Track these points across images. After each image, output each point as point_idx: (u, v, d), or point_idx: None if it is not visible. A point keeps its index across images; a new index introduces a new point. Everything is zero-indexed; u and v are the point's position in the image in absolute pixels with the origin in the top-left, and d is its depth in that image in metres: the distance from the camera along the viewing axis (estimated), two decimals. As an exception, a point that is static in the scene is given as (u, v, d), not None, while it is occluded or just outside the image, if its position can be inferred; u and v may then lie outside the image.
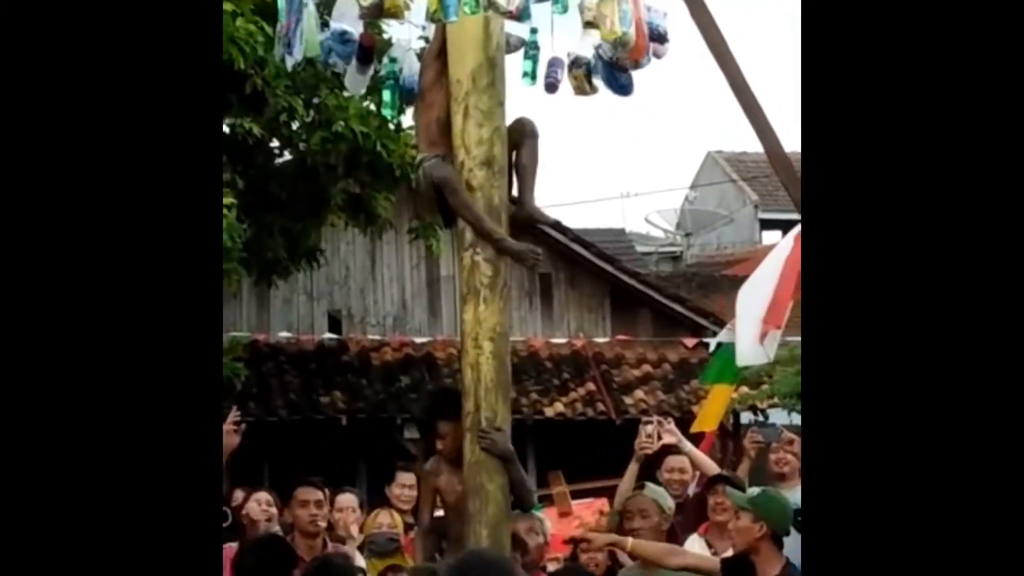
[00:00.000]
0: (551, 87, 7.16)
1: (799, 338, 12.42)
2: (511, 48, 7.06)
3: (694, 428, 11.44)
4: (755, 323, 11.09)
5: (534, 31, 7.01)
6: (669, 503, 8.15)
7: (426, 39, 7.41)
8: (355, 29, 7.05)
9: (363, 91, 8.02)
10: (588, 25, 7.01)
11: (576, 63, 7.18)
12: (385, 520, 8.91)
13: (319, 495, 8.60)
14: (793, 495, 8.07)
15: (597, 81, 7.26)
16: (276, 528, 8.77)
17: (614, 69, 7.16)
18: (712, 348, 20.02)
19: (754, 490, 7.63)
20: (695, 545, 8.23)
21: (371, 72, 7.39)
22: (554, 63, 7.16)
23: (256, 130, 15.16)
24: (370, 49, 7.25)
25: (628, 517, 7.97)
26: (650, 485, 8.31)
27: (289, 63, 7.17)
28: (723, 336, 12.92)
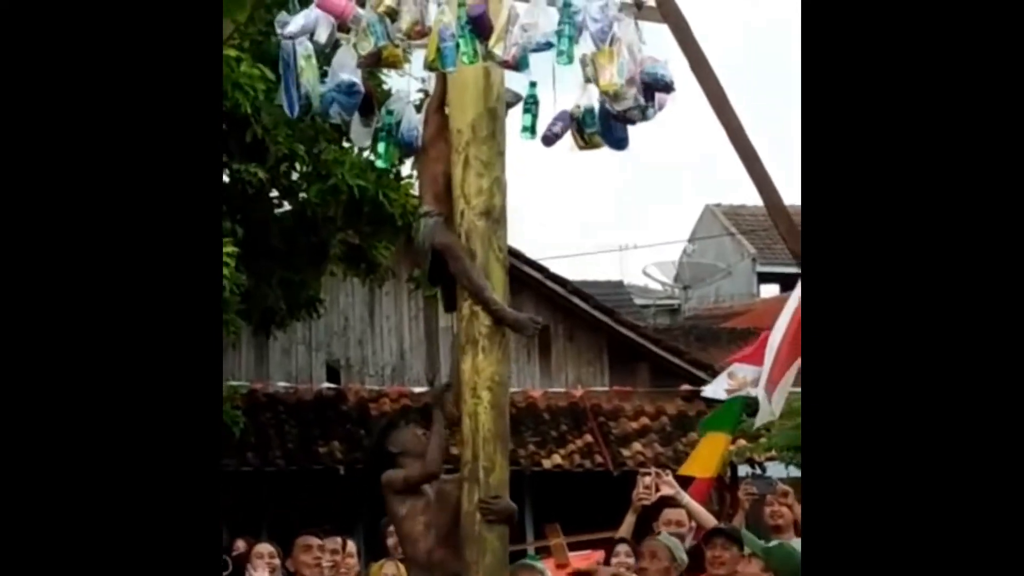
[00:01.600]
0: (547, 140, 7.17)
1: (798, 390, 12.52)
2: (508, 104, 7.09)
3: (682, 471, 11.48)
4: (766, 384, 11.20)
5: (533, 84, 7.04)
6: (682, 555, 8.12)
7: (426, 92, 7.43)
8: (356, 78, 7.07)
9: (368, 142, 8.04)
10: (589, 80, 7.05)
11: (586, 117, 7.20)
12: (391, 571, 8.92)
13: (320, 541, 8.68)
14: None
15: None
16: None
17: (615, 122, 7.18)
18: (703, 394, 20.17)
19: (772, 542, 7.65)
20: None
21: (375, 123, 7.40)
22: (558, 117, 7.19)
23: (260, 174, 15.19)
24: (371, 99, 7.27)
25: (640, 556, 7.96)
26: (665, 533, 8.29)
27: (295, 115, 7.17)
28: (714, 390, 12.96)
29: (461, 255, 6.80)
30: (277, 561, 9.02)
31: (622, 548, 9.24)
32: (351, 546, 9.55)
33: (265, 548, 9.16)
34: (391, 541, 9.26)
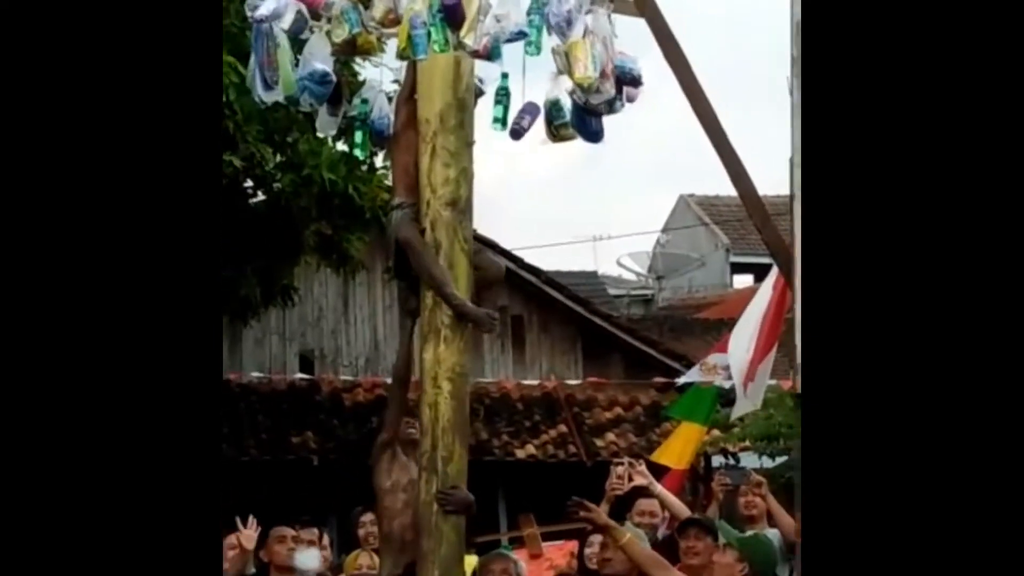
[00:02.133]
0: (515, 134, 7.17)
1: (774, 382, 12.54)
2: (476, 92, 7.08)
3: (654, 457, 11.51)
4: (740, 375, 11.24)
5: (505, 76, 7.04)
6: (646, 546, 8.13)
7: (399, 83, 7.42)
8: (328, 67, 7.05)
9: (334, 132, 8.00)
10: (561, 72, 7.05)
11: (553, 109, 7.20)
12: (365, 561, 8.89)
13: (294, 532, 8.66)
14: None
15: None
16: (251, 570, 8.79)
17: (587, 114, 7.19)
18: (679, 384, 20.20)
19: (747, 532, 7.65)
20: None
21: (342, 114, 7.38)
22: (525, 109, 7.18)
23: (236, 163, 15.15)
24: (339, 89, 7.26)
25: (602, 548, 7.93)
26: (629, 525, 8.28)
27: (267, 98, 7.14)
28: (690, 376, 13.03)
29: (422, 249, 6.79)
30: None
31: (596, 538, 9.24)
32: (325, 538, 9.54)
33: (232, 540, 9.14)
34: (362, 532, 9.25)
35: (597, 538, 9.03)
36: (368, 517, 9.18)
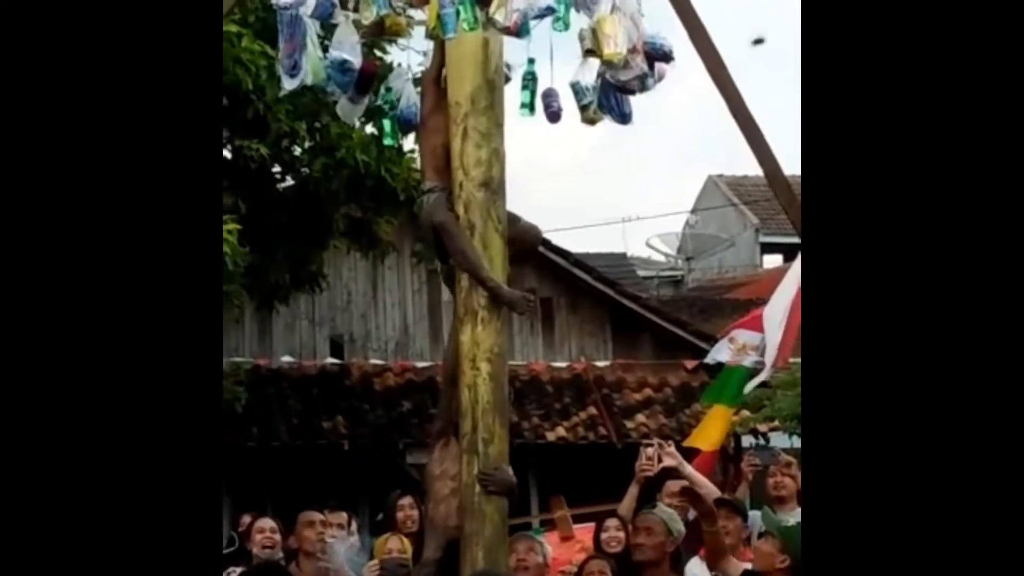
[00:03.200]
0: (554, 116, 7.19)
1: (800, 360, 12.50)
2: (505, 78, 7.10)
3: (687, 442, 11.50)
4: (772, 354, 11.25)
5: (531, 61, 7.04)
6: (679, 527, 8.09)
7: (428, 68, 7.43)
8: (354, 57, 7.06)
9: (356, 120, 8.00)
10: (588, 53, 7.05)
11: (581, 91, 7.20)
12: (395, 545, 8.88)
13: (323, 517, 8.67)
14: (792, 518, 8.09)
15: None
16: (279, 555, 8.80)
17: (618, 94, 7.19)
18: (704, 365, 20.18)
19: (780, 515, 7.64)
20: (695, 568, 8.22)
21: (366, 101, 7.39)
22: (552, 93, 7.19)
23: (263, 151, 15.17)
24: (371, 77, 7.27)
25: (634, 532, 7.94)
26: (661, 506, 8.26)
27: (288, 85, 7.16)
28: (718, 352, 12.99)
29: (457, 232, 6.81)
30: (277, 536, 9.02)
31: (612, 523, 9.24)
32: (340, 516, 9.54)
33: (267, 523, 9.16)
34: (400, 515, 9.24)
35: (613, 522, 9.04)
36: (407, 500, 9.20)
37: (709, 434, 11.94)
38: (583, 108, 7.27)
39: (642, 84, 7.13)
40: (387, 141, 7.86)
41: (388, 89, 7.40)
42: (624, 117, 7.31)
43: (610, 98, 7.23)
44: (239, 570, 8.52)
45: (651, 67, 7.11)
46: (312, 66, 7.03)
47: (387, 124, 7.46)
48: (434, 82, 7.06)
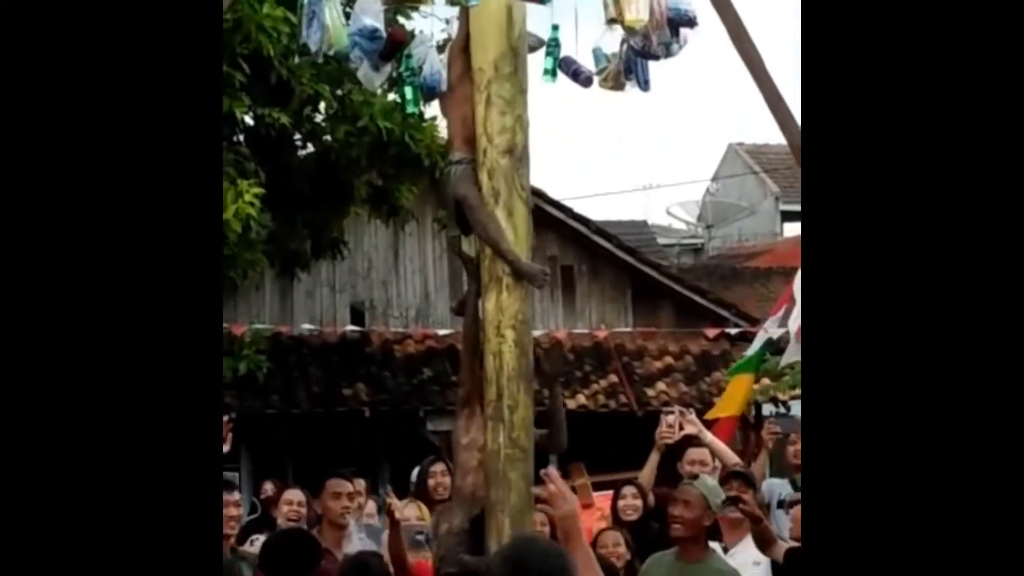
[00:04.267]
0: (587, 81, 7.19)
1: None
2: (530, 48, 7.08)
3: (709, 415, 11.51)
4: (796, 324, 11.26)
5: (555, 28, 7.03)
6: (719, 501, 7.96)
7: (451, 36, 7.42)
8: (378, 23, 7.05)
9: (377, 87, 7.98)
10: (612, 21, 7.03)
11: (600, 57, 7.20)
12: (413, 512, 8.90)
13: (350, 487, 8.67)
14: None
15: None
16: (304, 525, 8.82)
17: (643, 59, 7.17)
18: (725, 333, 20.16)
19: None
20: (746, 553, 8.08)
21: (388, 69, 7.38)
22: (572, 62, 7.19)
23: (284, 119, 15.18)
24: (397, 45, 7.25)
25: (671, 503, 7.78)
26: (704, 478, 8.10)
27: (312, 45, 7.12)
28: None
29: (478, 204, 6.81)
30: (304, 510, 9.04)
31: (629, 490, 9.26)
32: (359, 483, 9.54)
33: (295, 495, 9.17)
34: (431, 482, 9.21)
35: (630, 490, 9.04)
36: (439, 467, 9.19)
37: (728, 400, 11.98)
38: (600, 73, 7.27)
39: (667, 50, 7.11)
40: (409, 109, 7.83)
41: (409, 56, 7.39)
42: (645, 84, 7.30)
43: (632, 64, 7.21)
44: (263, 537, 8.54)
45: (676, 33, 7.09)
46: (335, 33, 7.00)
47: (409, 92, 7.44)
48: (461, 51, 7.04)
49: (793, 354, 11.91)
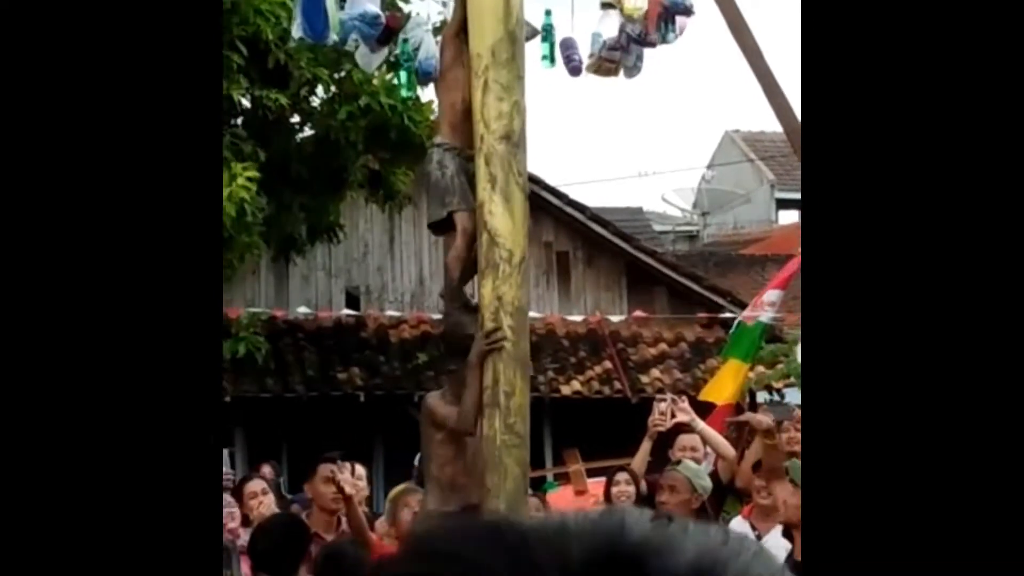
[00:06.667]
0: (575, 71, 7.20)
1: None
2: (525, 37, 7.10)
3: (701, 396, 11.53)
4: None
5: (548, 13, 7.05)
6: (704, 483, 8.03)
7: (447, 19, 7.44)
8: (375, 7, 7.06)
9: (374, 68, 7.99)
10: (606, 6, 7.05)
11: (594, 43, 7.22)
12: (413, 498, 8.89)
13: (341, 475, 8.68)
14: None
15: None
16: (274, 509, 8.88)
17: (640, 46, 7.20)
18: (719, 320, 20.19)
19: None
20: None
21: (385, 51, 7.39)
22: (566, 45, 7.20)
23: (282, 100, 15.20)
24: (394, 30, 7.26)
25: (658, 490, 7.85)
26: (687, 462, 8.20)
27: (313, 35, 7.15)
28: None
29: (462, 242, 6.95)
30: (269, 497, 9.10)
31: (622, 476, 9.28)
32: (360, 470, 9.56)
33: (257, 486, 9.25)
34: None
35: (623, 476, 9.07)
36: None
37: (723, 388, 11.98)
38: (590, 58, 7.29)
39: (663, 38, 7.14)
40: (404, 93, 7.85)
41: (405, 40, 7.40)
42: (636, 70, 7.32)
43: (629, 50, 7.23)
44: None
45: (672, 20, 7.11)
46: (332, 22, 7.02)
47: (403, 75, 7.45)
48: (455, 36, 7.05)
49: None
